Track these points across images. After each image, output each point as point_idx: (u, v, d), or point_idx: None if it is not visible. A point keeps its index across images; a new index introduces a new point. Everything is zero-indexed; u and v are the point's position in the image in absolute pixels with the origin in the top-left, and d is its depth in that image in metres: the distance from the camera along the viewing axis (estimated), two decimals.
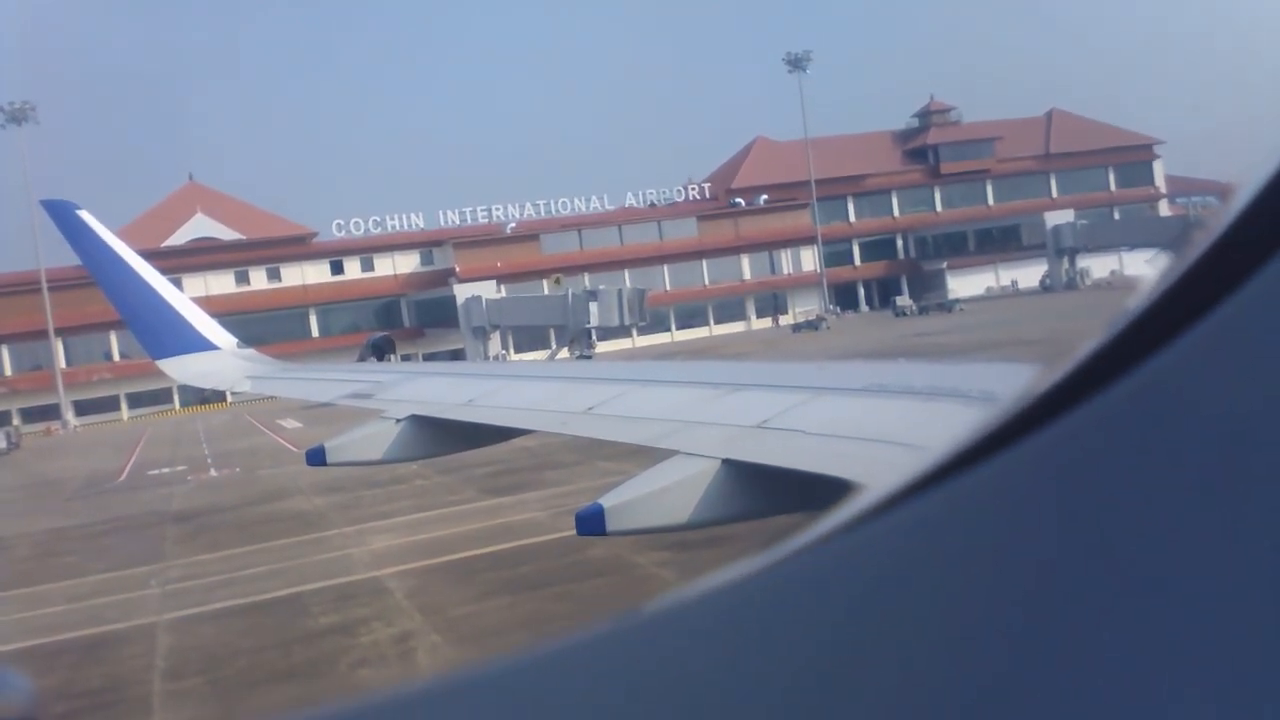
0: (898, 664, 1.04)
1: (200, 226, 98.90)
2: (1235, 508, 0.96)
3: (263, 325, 79.12)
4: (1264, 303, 1.03)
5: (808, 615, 1.14)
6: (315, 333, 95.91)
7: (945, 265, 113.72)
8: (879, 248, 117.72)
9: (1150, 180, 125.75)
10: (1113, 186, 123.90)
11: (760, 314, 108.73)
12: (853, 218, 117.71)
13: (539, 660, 1.18)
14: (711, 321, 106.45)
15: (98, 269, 12.83)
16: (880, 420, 4.66)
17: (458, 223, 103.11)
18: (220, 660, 15.44)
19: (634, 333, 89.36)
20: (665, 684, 1.12)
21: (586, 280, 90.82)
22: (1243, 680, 0.88)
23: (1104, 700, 0.91)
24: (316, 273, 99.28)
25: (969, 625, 1.03)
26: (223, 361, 12.74)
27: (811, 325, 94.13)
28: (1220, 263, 1.10)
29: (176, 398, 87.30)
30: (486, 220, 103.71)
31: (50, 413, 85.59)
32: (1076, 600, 0.99)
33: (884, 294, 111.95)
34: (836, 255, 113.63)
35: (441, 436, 7.94)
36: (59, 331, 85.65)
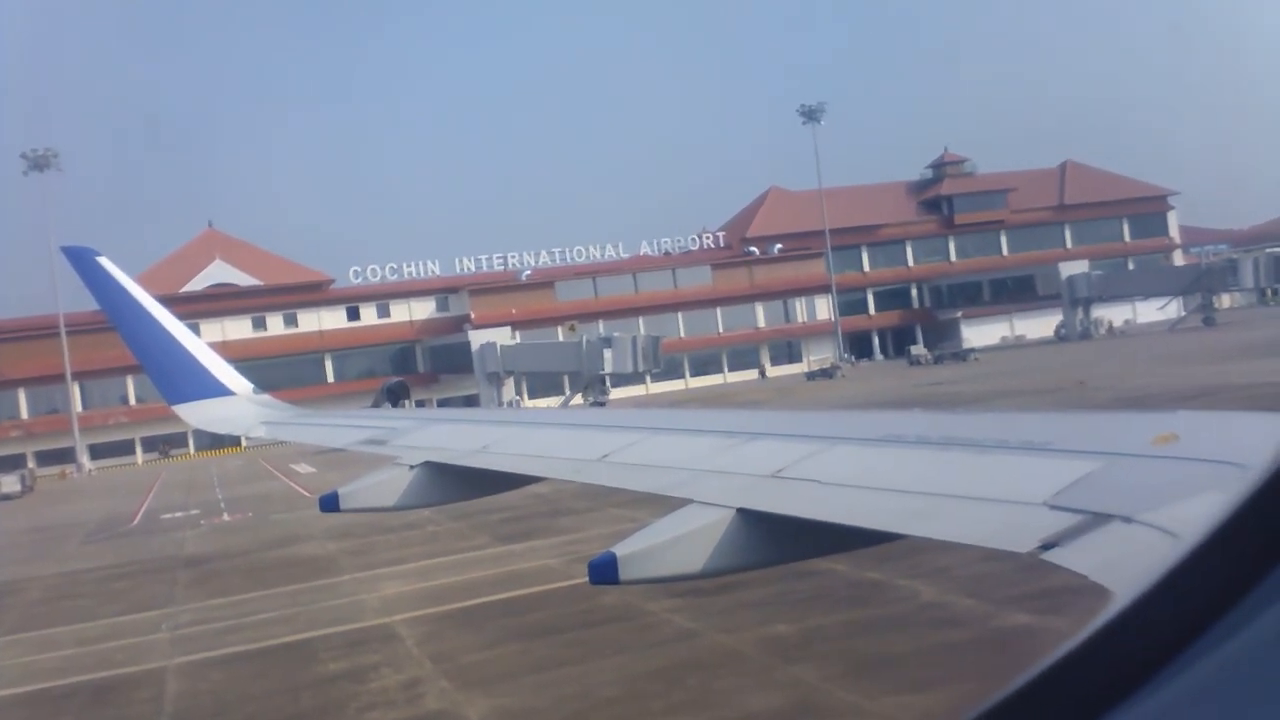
0: None
1: (218, 273, 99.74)
2: None
3: (279, 370, 79.39)
4: None
5: None
6: (331, 378, 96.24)
7: (960, 315, 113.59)
8: (894, 297, 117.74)
9: (1164, 230, 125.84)
10: (1127, 237, 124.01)
11: (775, 361, 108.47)
12: (867, 267, 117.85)
13: None
14: (726, 369, 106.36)
15: (116, 314, 12.93)
16: (895, 470, 4.64)
17: (473, 270, 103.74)
18: (228, 705, 15.34)
19: (648, 379, 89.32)
20: None
21: (601, 327, 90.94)
22: None
23: None
24: (333, 319, 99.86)
25: None
26: (238, 407, 12.76)
27: (826, 373, 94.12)
28: None
29: (191, 442, 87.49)
30: (502, 267, 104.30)
31: (65, 456, 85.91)
32: None
33: (899, 343, 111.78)
34: (851, 304, 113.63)
35: (455, 483, 7.92)
36: (76, 375, 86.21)
